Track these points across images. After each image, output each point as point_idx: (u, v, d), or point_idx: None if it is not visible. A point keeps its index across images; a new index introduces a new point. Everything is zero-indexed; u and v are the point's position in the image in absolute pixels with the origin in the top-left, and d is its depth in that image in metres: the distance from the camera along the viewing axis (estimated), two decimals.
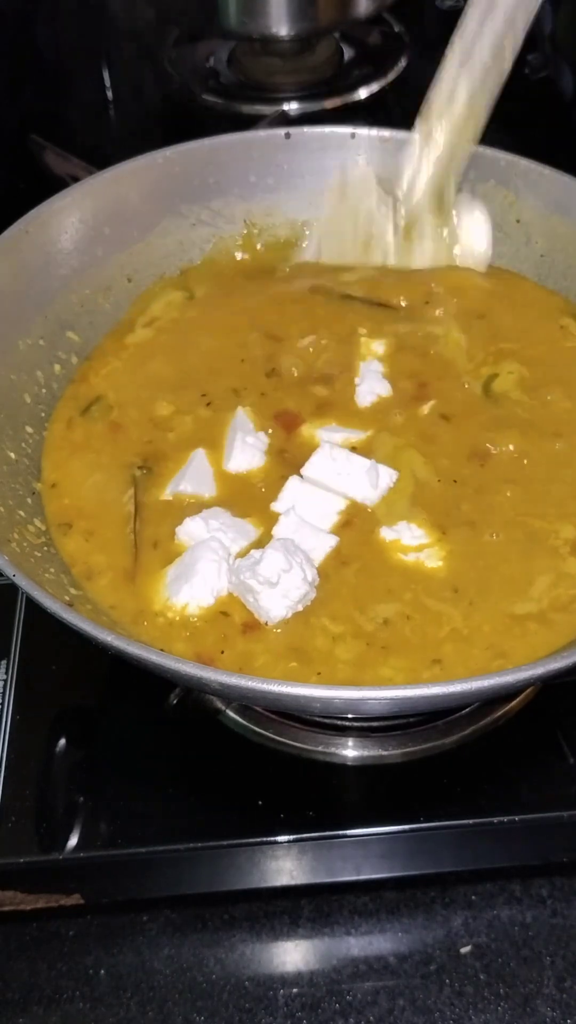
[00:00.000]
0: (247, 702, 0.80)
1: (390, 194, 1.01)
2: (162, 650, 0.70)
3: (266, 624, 0.77)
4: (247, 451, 0.87)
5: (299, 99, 1.52)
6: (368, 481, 0.83)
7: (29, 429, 0.90)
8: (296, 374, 0.94)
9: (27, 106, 1.58)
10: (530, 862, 0.83)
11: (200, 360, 0.96)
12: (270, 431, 0.90)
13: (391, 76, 1.56)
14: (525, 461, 0.87)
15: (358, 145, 1.06)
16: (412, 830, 0.78)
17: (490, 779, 0.80)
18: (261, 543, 0.79)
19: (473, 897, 0.83)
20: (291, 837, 0.77)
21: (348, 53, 1.61)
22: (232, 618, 0.77)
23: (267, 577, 0.75)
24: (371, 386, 0.92)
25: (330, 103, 1.52)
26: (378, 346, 0.96)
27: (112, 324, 1.01)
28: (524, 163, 1.02)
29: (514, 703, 0.84)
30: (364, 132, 1.06)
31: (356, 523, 0.83)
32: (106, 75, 1.66)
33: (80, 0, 1.74)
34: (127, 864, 0.78)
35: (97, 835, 0.77)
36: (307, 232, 1.08)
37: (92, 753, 0.83)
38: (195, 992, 0.78)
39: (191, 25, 1.58)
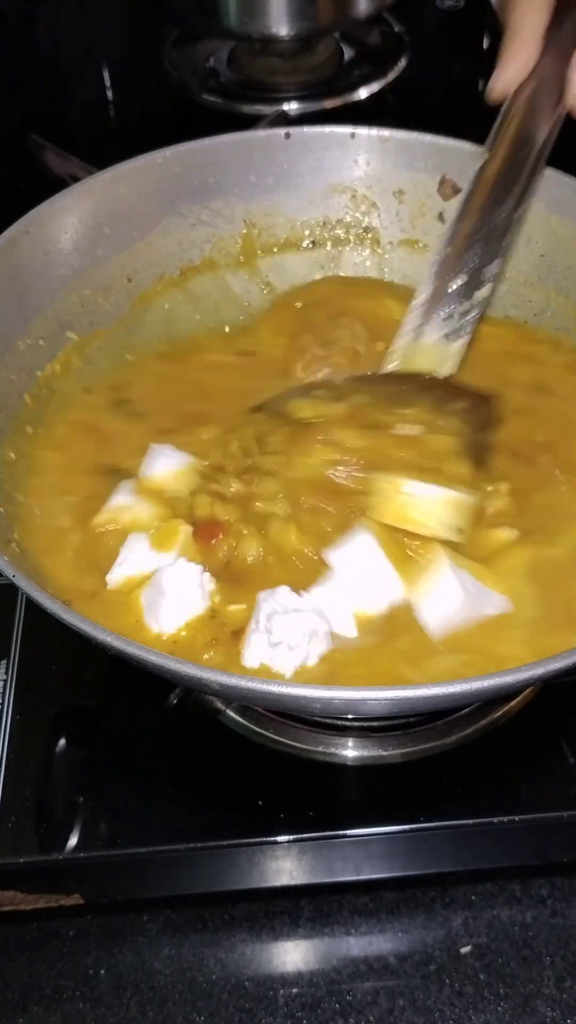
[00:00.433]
0: (247, 702, 0.80)
1: None
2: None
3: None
4: None
5: (299, 99, 1.52)
6: None
7: (29, 429, 0.90)
8: None
9: (27, 106, 1.58)
10: (530, 862, 0.83)
11: None
12: None
13: (391, 76, 1.56)
14: None
15: (358, 145, 1.06)
16: (412, 830, 0.78)
17: (490, 779, 0.80)
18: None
19: (473, 897, 0.83)
20: (291, 837, 0.77)
21: (348, 53, 1.61)
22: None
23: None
24: None
25: (330, 103, 1.52)
26: None
27: (112, 324, 1.01)
28: None
29: (514, 703, 0.84)
30: (364, 132, 1.06)
31: None
32: (106, 75, 1.66)
33: (80, 0, 1.74)
34: (127, 864, 0.78)
35: (97, 835, 0.77)
36: None
37: (92, 753, 0.83)
38: (195, 992, 0.78)
39: (191, 25, 1.58)
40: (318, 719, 0.82)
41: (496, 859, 0.83)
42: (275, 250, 1.09)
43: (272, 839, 0.77)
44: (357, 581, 0.76)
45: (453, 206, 1.05)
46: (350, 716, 0.81)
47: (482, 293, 0.92)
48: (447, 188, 1.06)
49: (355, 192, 1.08)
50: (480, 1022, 0.76)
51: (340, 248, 1.11)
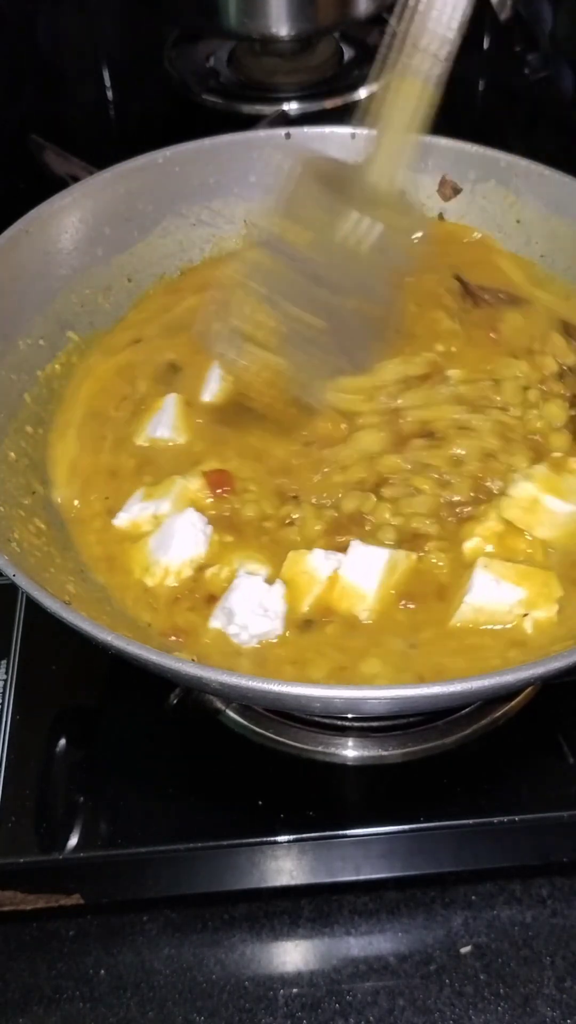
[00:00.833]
0: (247, 702, 0.80)
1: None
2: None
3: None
4: None
5: (299, 99, 1.52)
6: None
7: (29, 429, 0.90)
8: None
9: (27, 106, 1.58)
10: (530, 862, 0.83)
11: None
12: None
13: None
14: None
15: (358, 145, 1.06)
16: (412, 830, 0.78)
17: (490, 779, 0.80)
18: None
19: (473, 897, 0.83)
20: (291, 837, 0.77)
21: (348, 53, 1.61)
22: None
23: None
24: None
25: (330, 103, 1.52)
26: None
27: (112, 324, 1.01)
28: (524, 163, 1.02)
29: (514, 703, 0.84)
30: (364, 132, 1.06)
31: None
32: (106, 75, 1.66)
33: (80, 0, 1.74)
34: (127, 864, 0.78)
35: (97, 835, 0.77)
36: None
37: (92, 753, 0.83)
38: (195, 992, 0.78)
39: (191, 25, 1.59)
40: (318, 719, 0.82)
41: (496, 859, 0.83)
42: None
43: (272, 839, 0.77)
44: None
45: (453, 206, 1.06)
46: (350, 716, 0.81)
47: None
48: (447, 188, 1.06)
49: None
50: (480, 1022, 0.76)
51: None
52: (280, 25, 1.43)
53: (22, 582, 0.69)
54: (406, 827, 0.78)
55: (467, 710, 0.83)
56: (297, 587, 0.79)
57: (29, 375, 0.92)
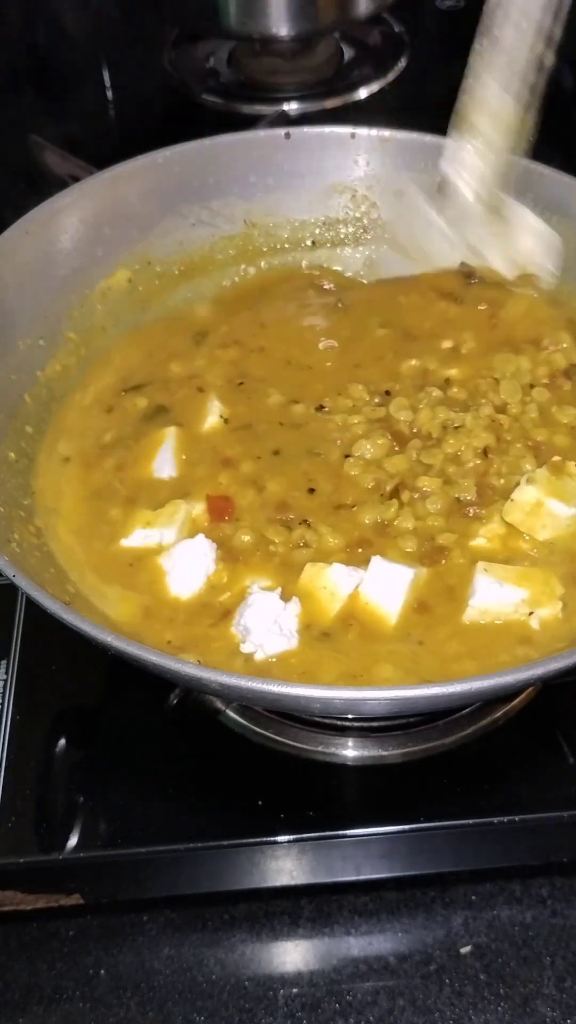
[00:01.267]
0: (247, 702, 0.80)
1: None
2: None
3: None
4: None
5: (299, 99, 1.52)
6: None
7: (29, 429, 0.90)
8: None
9: (27, 106, 1.58)
10: (530, 862, 0.83)
11: None
12: None
13: (391, 76, 1.56)
14: None
15: (358, 145, 1.06)
16: (412, 830, 0.78)
17: (490, 779, 0.80)
18: None
19: (473, 897, 0.83)
20: (291, 837, 0.77)
21: (348, 53, 1.61)
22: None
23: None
24: None
25: (330, 103, 1.52)
26: None
27: (112, 325, 1.01)
28: (524, 163, 1.02)
29: (514, 703, 0.84)
30: (364, 132, 1.06)
31: None
32: (106, 75, 1.66)
33: (80, 0, 1.74)
34: (127, 864, 0.78)
35: (97, 835, 0.77)
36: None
37: (92, 753, 0.83)
38: (195, 992, 0.78)
39: (191, 25, 1.58)
40: (318, 719, 0.82)
41: (496, 859, 0.83)
42: (275, 249, 1.09)
43: (272, 839, 0.77)
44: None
45: None
46: (350, 716, 0.81)
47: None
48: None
49: (355, 192, 1.08)
50: (480, 1022, 0.76)
51: (340, 248, 1.11)
52: (280, 25, 1.42)
53: (22, 582, 0.69)
54: (406, 827, 0.78)
55: (467, 710, 0.83)
56: (316, 601, 0.78)
57: (29, 375, 0.92)
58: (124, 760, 0.82)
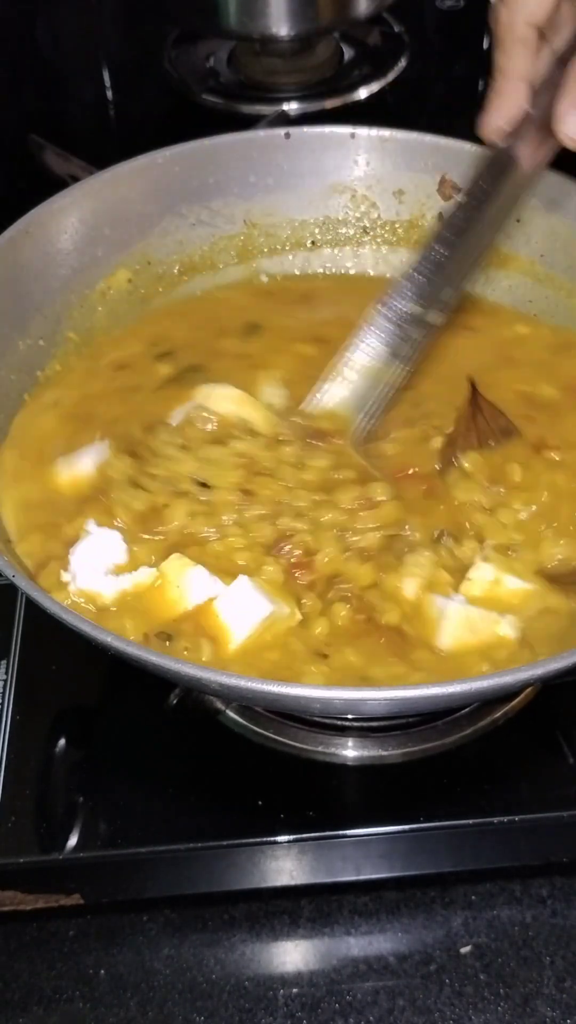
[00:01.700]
0: (247, 702, 0.80)
1: None
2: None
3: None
4: None
5: (299, 99, 1.52)
6: None
7: None
8: None
9: (27, 106, 1.58)
10: (530, 862, 0.83)
11: None
12: None
13: (391, 76, 1.56)
14: None
15: (358, 145, 1.06)
16: (412, 830, 0.78)
17: (490, 779, 0.80)
18: None
19: (473, 897, 0.83)
20: (291, 837, 0.77)
21: (348, 53, 1.61)
22: None
23: None
24: None
25: (330, 103, 1.52)
26: None
27: (112, 325, 1.01)
28: None
29: (514, 703, 0.84)
30: (364, 132, 1.06)
31: None
32: (106, 75, 1.66)
33: (80, 0, 1.74)
34: (127, 864, 0.78)
35: (97, 835, 0.77)
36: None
37: (92, 753, 0.84)
38: (195, 992, 0.78)
39: (191, 25, 1.58)
40: (318, 719, 0.82)
41: (496, 859, 0.83)
42: (275, 249, 1.09)
43: (272, 839, 0.77)
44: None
45: (453, 206, 1.05)
46: (350, 716, 0.81)
47: (436, 318, 0.89)
48: (447, 188, 1.06)
49: (355, 192, 1.08)
50: (480, 1022, 0.76)
51: (340, 248, 1.11)
52: (280, 25, 1.42)
53: (22, 582, 0.69)
54: (406, 827, 0.78)
55: (467, 710, 0.83)
56: (161, 595, 0.76)
57: (29, 375, 0.92)
58: (124, 760, 0.82)
